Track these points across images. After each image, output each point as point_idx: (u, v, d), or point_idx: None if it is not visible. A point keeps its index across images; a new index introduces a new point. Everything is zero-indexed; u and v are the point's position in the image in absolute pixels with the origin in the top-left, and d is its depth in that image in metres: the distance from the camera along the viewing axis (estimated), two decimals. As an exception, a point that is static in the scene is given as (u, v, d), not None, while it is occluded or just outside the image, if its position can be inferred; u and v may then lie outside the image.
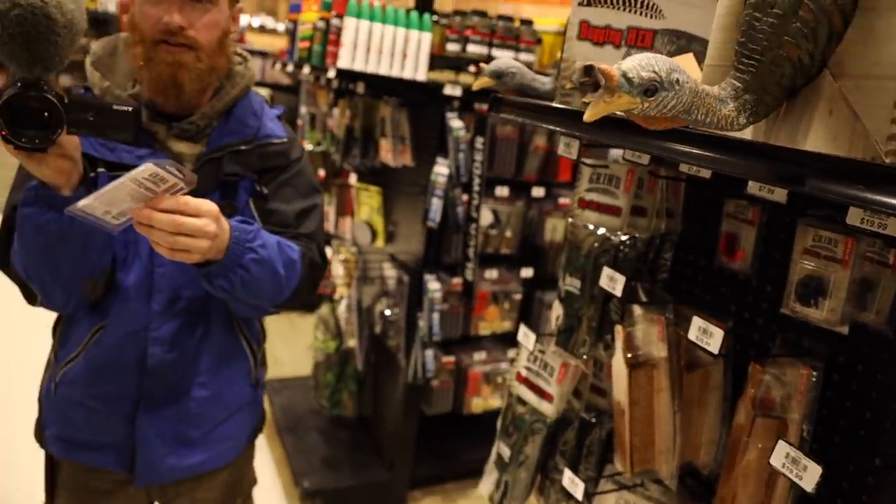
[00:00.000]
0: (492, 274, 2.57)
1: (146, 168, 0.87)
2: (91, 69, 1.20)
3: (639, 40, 0.88)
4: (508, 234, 2.60)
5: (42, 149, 0.91)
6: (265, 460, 2.82)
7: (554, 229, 2.67)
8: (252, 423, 1.39)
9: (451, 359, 2.59)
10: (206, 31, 1.11)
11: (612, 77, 0.52)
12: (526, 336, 1.20)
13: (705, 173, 0.80)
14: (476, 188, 2.16)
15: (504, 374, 2.73)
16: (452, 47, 2.19)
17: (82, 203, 0.88)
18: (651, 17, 0.87)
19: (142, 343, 1.19)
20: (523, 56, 2.26)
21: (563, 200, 2.61)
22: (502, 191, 2.44)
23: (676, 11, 0.86)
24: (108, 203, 0.90)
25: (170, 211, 0.93)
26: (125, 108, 0.94)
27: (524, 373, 1.27)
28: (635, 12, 0.88)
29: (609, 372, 1.23)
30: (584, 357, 1.14)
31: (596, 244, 1.10)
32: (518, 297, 2.67)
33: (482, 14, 2.19)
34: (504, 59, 1.06)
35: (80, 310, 1.20)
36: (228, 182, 1.21)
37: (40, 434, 1.29)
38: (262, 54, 4.21)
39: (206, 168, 1.17)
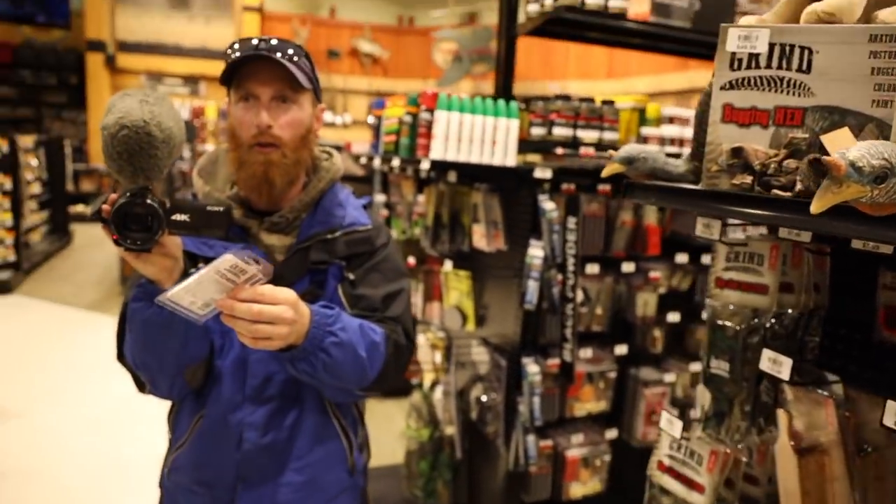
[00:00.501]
0: (585, 353, 2.52)
1: (226, 259, 0.93)
2: (196, 177, 1.33)
3: (788, 119, 0.88)
4: (599, 311, 2.55)
5: (146, 249, 0.99)
6: (361, 556, 2.74)
7: (645, 304, 2.61)
8: None
9: (549, 443, 2.51)
10: (290, 128, 1.22)
11: (840, 167, 0.51)
12: (670, 423, 1.15)
13: (885, 248, 0.77)
14: (570, 268, 2.15)
15: (602, 456, 2.62)
16: (538, 131, 2.24)
17: (170, 293, 0.93)
18: (799, 95, 0.87)
19: (237, 428, 1.24)
20: (607, 134, 2.29)
21: (653, 274, 2.56)
22: (592, 268, 2.41)
23: (827, 88, 0.85)
24: (193, 293, 0.95)
25: (249, 300, 0.98)
26: (217, 209, 1.03)
27: (667, 461, 1.21)
28: (782, 92, 0.88)
29: (761, 458, 1.17)
30: (739, 444, 1.08)
31: (742, 325, 1.06)
32: (612, 375, 2.60)
33: (565, 98, 2.25)
34: (634, 145, 1.07)
35: (184, 396, 1.27)
36: (318, 269, 1.27)
37: None
38: (338, 148, 4.41)
39: (295, 257, 1.25)
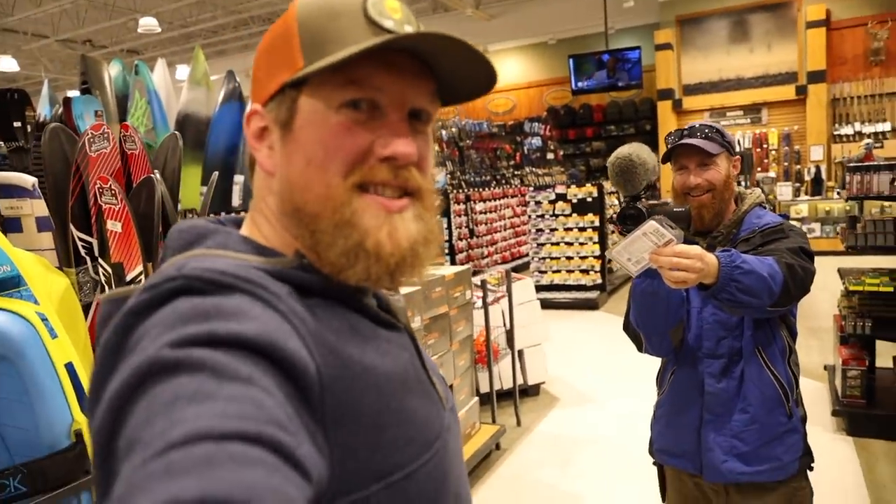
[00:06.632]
0: None
1: (650, 224, 1.38)
2: None
3: None
4: None
5: None
6: None
7: None
8: (796, 453, 1.72)
9: None
10: (712, 182, 1.73)
11: None
12: None
13: None
14: None
15: None
16: None
17: (612, 252, 1.43)
18: None
19: (700, 377, 1.74)
20: None
21: None
22: None
23: None
24: (628, 252, 1.42)
25: (669, 255, 1.40)
26: (681, 209, 1.55)
27: None
28: None
29: None
30: None
31: None
32: None
33: None
34: None
35: (668, 353, 1.80)
36: None
37: (651, 449, 1.93)
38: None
39: None
